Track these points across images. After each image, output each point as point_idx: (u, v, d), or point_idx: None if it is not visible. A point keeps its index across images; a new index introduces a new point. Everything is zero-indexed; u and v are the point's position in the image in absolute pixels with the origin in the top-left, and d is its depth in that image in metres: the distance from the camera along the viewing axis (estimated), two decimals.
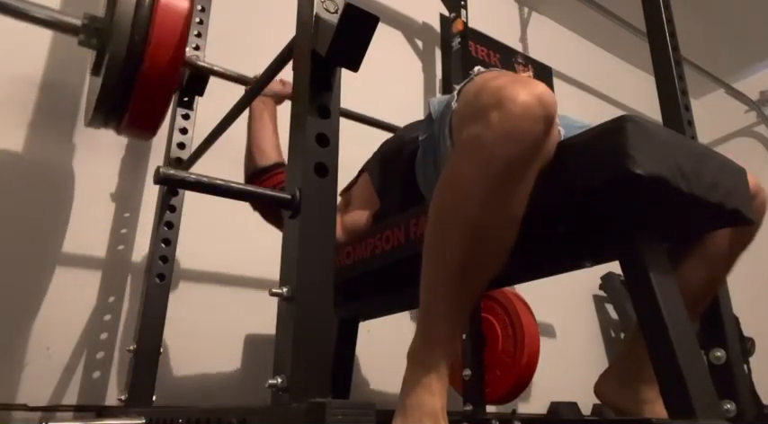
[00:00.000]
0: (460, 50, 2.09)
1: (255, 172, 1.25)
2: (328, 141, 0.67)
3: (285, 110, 1.34)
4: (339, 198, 1.28)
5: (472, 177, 0.72)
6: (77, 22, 1.06)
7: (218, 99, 1.40)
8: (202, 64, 1.32)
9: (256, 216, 1.30)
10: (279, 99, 1.37)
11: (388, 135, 1.42)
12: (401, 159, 1.14)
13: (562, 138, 0.86)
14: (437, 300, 0.76)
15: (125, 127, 1.14)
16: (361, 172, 1.31)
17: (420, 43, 2.33)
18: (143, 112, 1.11)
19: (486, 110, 0.72)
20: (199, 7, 1.53)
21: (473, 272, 0.75)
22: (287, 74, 0.81)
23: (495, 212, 0.73)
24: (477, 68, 0.93)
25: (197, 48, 1.47)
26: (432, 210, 0.78)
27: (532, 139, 0.70)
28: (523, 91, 0.71)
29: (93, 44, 1.07)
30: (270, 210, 1.25)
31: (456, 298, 0.75)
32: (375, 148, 1.32)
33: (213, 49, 1.50)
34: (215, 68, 1.32)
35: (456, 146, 0.79)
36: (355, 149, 1.27)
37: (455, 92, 0.90)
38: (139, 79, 1.04)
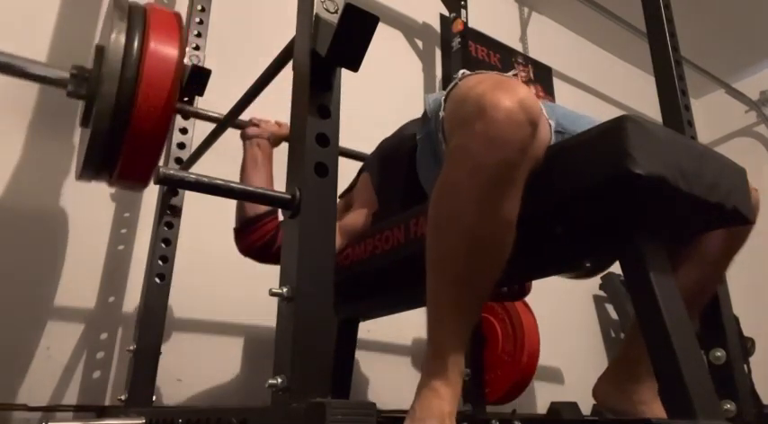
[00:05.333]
0: (460, 50, 2.10)
1: (245, 222, 1.18)
2: (328, 141, 0.67)
3: (285, 109, 1.34)
4: (339, 201, 1.28)
5: (464, 186, 0.73)
6: (65, 74, 1.05)
7: (217, 99, 1.40)
8: (195, 110, 1.29)
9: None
10: (276, 140, 1.29)
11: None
12: (401, 157, 1.14)
13: (552, 129, 0.86)
14: (443, 309, 0.76)
15: (116, 178, 1.10)
16: (360, 172, 1.30)
17: (420, 43, 2.33)
18: (134, 163, 1.07)
19: (470, 120, 0.73)
20: (199, 7, 1.53)
21: (476, 278, 0.76)
22: (287, 73, 0.81)
23: (491, 217, 0.73)
24: (461, 72, 0.93)
25: (197, 48, 1.47)
26: (430, 221, 0.79)
27: (518, 144, 0.71)
28: (505, 97, 0.72)
29: (81, 94, 1.06)
30: (263, 253, 1.19)
31: (462, 305, 0.76)
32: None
33: (213, 49, 1.50)
34: (210, 114, 1.28)
35: (446, 156, 0.80)
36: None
37: (443, 97, 0.91)
38: (129, 130, 1.01)
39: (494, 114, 0.71)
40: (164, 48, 1.03)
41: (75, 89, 1.05)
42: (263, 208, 1.18)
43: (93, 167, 1.07)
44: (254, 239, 1.18)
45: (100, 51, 1.04)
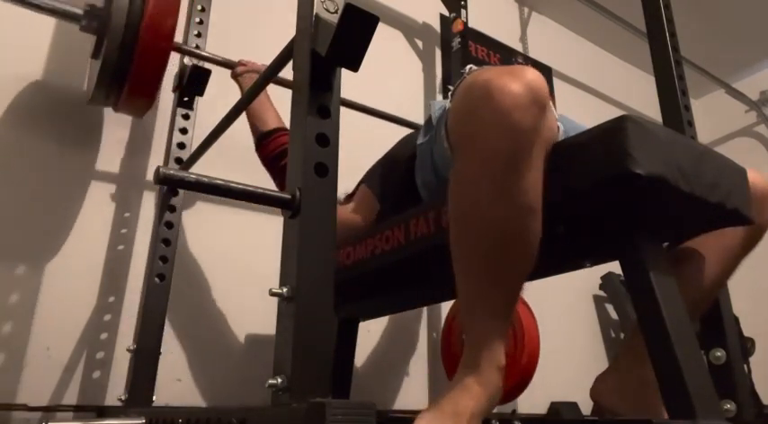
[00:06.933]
0: (460, 50, 2.10)
1: (259, 138, 1.31)
2: (328, 141, 0.67)
3: (285, 109, 1.34)
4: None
5: (478, 175, 0.72)
6: (79, 10, 1.19)
7: (217, 98, 1.40)
8: (190, 49, 1.41)
9: (255, 215, 1.30)
10: None
11: (389, 132, 1.42)
12: (401, 165, 1.14)
13: (561, 134, 0.86)
14: (474, 303, 0.74)
15: (123, 102, 1.26)
16: (360, 183, 1.30)
17: (420, 43, 2.33)
18: (139, 88, 1.24)
19: (477, 106, 0.72)
20: (199, 7, 1.53)
21: (505, 269, 0.74)
22: (287, 73, 0.81)
23: (509, 204, 0.71)
24: (468, 67, 0.93)
25: (197, 48, 1.47)
26: (450, 216, 0.78)
27: (527, 127, 0.70)
28: (511, 80, 0.70)
29: (93, 29, 1.21)
30: (276, 163, 1.28)
31: (493, 298, 0.74)
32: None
33: (213, 49, 1.50)
34: (203, 53, 1.42)
35: (456, 147, 0.79)
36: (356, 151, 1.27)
37: (450, 94, 0.90)
38: (135, 60, 1.18)
39: (501, 98, 0.69)
40: None
41: (88, 23, 1.20)
42: (272, 125, 1.31)
43: (104, 92, 1.23)
44: (271, 149, 1.29)
45: None
